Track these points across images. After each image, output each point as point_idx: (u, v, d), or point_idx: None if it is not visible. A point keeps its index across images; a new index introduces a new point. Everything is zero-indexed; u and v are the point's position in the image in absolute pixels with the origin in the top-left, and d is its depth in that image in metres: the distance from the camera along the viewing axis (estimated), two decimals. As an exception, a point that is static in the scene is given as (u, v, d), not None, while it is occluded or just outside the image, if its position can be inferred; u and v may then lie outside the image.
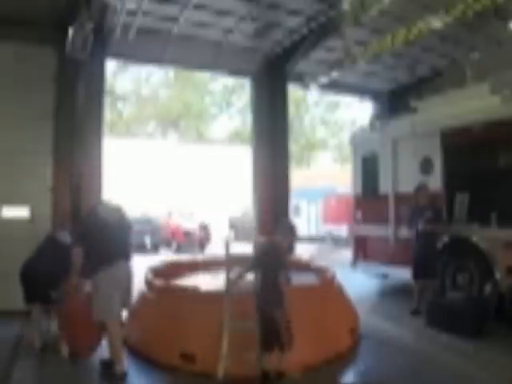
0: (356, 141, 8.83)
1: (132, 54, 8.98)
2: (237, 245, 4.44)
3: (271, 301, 3.58)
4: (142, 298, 5.18)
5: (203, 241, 16.46)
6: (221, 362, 3.75)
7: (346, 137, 23.13)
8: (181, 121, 32.81)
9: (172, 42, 8.51)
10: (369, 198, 8.17)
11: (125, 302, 4.18)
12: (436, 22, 6.21)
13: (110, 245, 4.04)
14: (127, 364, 4.03)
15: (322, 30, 8.22)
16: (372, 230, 7.86)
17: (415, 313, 5.95)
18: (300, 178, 21.25)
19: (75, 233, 4.36)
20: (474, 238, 5.79)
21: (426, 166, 6.86)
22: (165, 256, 12.83)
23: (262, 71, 9.75)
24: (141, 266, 5.69)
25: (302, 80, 9.51)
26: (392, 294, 7.81)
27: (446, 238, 6.17)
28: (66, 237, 4.78)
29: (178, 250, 16.01)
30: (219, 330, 3.83)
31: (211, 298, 4.30)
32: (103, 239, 4.01)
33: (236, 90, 30.82)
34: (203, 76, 27.96)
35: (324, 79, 8.87)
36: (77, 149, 7.18)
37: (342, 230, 16.57)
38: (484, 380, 3.89)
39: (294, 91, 16.45)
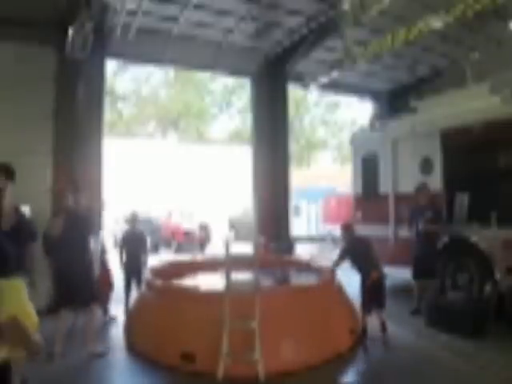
0: (356, 141, 8.83)
1: (132, 54, 8.98)
2: (237, 245, 4.43)
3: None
4: (142, 298, 5.19)
5: (203, 241, 16.44)
6: (221, 361, 3.76)
7: (346, 137, 23.17)
8: (181, 121, 32.79)
9: (172, 41, 8.51)
10: (369, 197, 8.17)
11: None
12: (436, 22, 6.21)
13: None
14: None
15: (321, 30, 8.23)
16: (372, 230, 7.84)
17: (415, 313, 5.95)
18: (300, 178, 21.24)
19: None
20: (474, 238, 5.79)
21: (425, 166, 6.86)
22: (165, 256, 12.83)
23: (262, 71, 9.76)
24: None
25: (302, 80, 9.51)
26: (392, 293, 7.79)
27: (445, 238, 6.17)
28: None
29: (178, 249, 15.99)
30: (219, 329, 3.83)
31: (211, 297, 4.30)
32: None
33: (236, 90, 30.80)
34: (203, 76, 27.94)
35: (324, 79, 8.86)
36: (77, 149, 7.18)
37: (342, 230, 16.53)
38: (484, 380, 3.89)
39: (294, 91, 16.43)
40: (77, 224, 4.55)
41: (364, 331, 4.74)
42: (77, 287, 4.37)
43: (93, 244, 5.04)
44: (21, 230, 3.67)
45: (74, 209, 4.67)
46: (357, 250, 5.13)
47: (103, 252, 6.02)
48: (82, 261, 4.55)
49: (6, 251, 1.80)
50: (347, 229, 5.40)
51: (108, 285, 5.96)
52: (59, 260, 4.51)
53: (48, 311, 4.34)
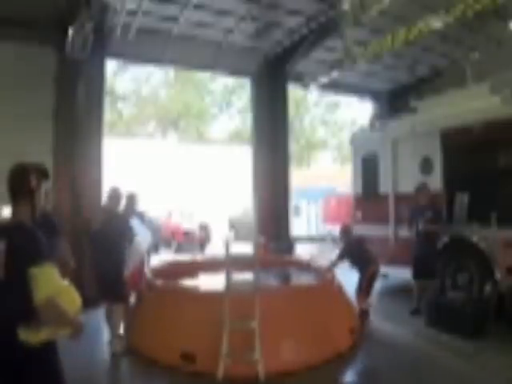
0: (356, 141, 8.83)
1: (132, 54, 8.98)
2: (237, 245, 4.43)
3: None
4: (142, 298, 5.18)
5: (203, 241, 16.43)
6: (221, 361, 3.76)
7: (346, 137, 23.14)
8: (181, 121, 32.78)
9: (172, 42, 8.52)
10: (369, 197, 8.17)
11: None
12: (436, 22, 6.20)
13: None
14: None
15: (322, 29, 8.23)
16: (372, 230, 7.85)
17: (415, 313, 5.95)
18: (300, 178, 21.24)
19: None
20: (474, 238, 5.79)
21: (425, 166, 6.86)
22: (165, 256, 12.83)
23: (262, 71, 9.76)
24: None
25: (302, 80, 9.51)
26: (392, 293, 7.80)
27: (445, 238, 6.17)
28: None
29: (178, 249, 15.99)
30: (219, 329, 3.83)
31: (211, 298, 4.31)
32: None
33: (236, 90, 30.80)
34: (203, 76, 27.95)
35: (324, 79, 8.86)
36: (77, 149, 7.19)
37: (342, 230, 16.52)
38: (484, 380, 3.89)
39: (293, 91, 16.42)
40: (109, 224, 4.72)
41: (363, 314, 5.40)
42: (106, 285, 4.56)
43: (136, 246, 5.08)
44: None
45: (108, 210, 4.81)
46: (354, 251, 5.61)
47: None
48: (112, 260, 4.63)
49: (42, 241, 1.92)
50: (346, 231, 5.85)
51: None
52: (92, 257, 4.74)
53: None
